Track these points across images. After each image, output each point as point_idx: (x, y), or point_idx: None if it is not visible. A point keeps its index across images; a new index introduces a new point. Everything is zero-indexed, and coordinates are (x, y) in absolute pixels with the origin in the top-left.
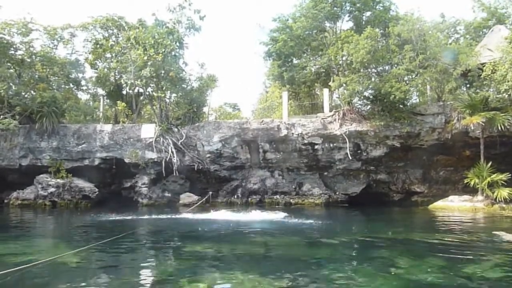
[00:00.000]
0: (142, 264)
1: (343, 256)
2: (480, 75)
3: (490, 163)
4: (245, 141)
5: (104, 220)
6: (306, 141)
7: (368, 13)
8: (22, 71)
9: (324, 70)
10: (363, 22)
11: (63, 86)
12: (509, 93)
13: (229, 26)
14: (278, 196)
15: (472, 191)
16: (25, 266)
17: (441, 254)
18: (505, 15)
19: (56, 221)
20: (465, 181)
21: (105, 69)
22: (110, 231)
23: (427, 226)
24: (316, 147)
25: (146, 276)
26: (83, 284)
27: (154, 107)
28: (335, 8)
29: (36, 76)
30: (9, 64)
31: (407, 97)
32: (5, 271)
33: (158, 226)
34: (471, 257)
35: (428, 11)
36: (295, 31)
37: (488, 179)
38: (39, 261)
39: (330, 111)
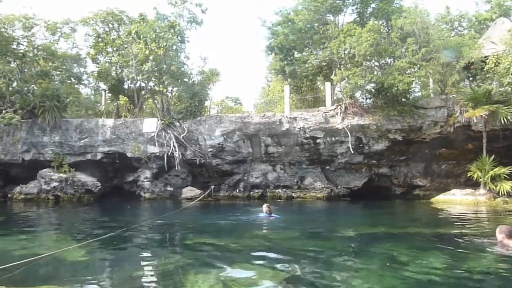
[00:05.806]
0: None
1: (342, 249)
2: (483, 68)
3: (492, 157)
4: (247, 135)
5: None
6: (308, 135)
7: (372, 5)
8: (24, 66)
9: (326, 64)
10: (366, 16)
11: (64, 78)
12: None
13: (231, 19)
14: (280, 190)
15: (474, 184)
16: (29, 259)
17: (441, 248)
18: (510, 7)
19: (60, 215)
20: (468, 175)
21: (107, 64)
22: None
23: (428, 219)
24: (318, 141)
25: None
26: (88, 277)
27: (156, 101)
28: (337, 1)
29: (38, 70)
30: (11, 58)
31: (410, 89)
32: (9, 265)
33: None
34: (472, 251)
35: (432, 5)
36: (297, 24)
37: (491, 172)
38: (43, 255)
39: (332, 104)
